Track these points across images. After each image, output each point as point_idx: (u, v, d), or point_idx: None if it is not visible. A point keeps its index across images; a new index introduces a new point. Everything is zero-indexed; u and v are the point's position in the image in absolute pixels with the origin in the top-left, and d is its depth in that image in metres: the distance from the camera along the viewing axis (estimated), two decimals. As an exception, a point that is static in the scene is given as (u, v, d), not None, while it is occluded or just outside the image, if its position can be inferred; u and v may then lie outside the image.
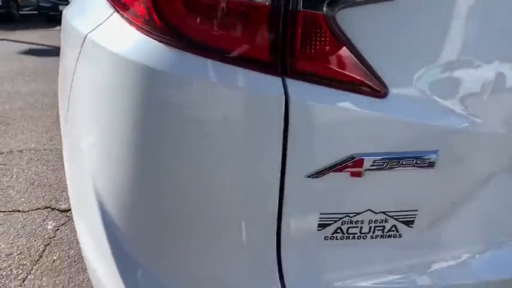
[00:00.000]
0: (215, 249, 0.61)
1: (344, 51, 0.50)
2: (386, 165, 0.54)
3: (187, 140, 0.53)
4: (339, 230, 0.60)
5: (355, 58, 0.50)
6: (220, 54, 0.50)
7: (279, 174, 0.54)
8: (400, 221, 0.61)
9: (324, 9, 0.48)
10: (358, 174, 0.55)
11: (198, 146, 0.53)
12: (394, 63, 0.51)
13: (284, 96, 0.50)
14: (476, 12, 0.51)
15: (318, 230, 0.59)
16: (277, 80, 0.50)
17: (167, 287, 0.65)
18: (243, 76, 0.50)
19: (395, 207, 0.59)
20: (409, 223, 0.61)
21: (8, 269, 1.58)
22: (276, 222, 0.58)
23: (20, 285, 1.51)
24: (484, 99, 0.55)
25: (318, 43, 0.49)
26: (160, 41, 0.52)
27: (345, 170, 0.54)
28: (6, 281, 1.52)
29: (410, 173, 0.56)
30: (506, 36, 0.52)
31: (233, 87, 0.50)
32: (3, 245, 1.69)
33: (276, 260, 0.61)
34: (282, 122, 0.51)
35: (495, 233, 0.65)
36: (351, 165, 0.54)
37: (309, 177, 0.54)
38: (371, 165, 0.54)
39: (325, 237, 0.60)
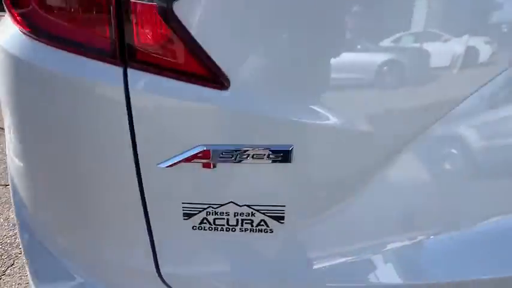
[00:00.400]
0: (96, 236, 0.65)
1: (181, 43, 0.49)
2: (236, 158, 0.53)
3: (46, 130, 0.56)
4: (205, 221, 0.60)
5: (193, 49, 0.49)
6: (67, 45, 0.52)
7: (134, 163, 0.55)
8: (268, 216, 0.59)
9: (157, 0, 0.48)
10: (209, 165, 0.54)
11: (56, 136, 0.56)
12: (236, 56, 0.50)
13: (124, 86, 0.51)
14: (323, 5, 0.48)
15: (185, 219, 0.60)
16: (119, 70, 0.51)
17: (64, 264, 0.70)
18: (87, 66, 0.51)
19: (259, 201, 0.58)
20: (279, 219, 0.59)
21: (13, 237, 1.75)
22: (142, 210, 0.59)
23: (20, 253, 1.67)
24: (342, 95, 0.52)
25: (154, 34, 0.49)
26: (23, 33, 0.55)
27: (194, 160, 0.54)
28: (9, 249, 1.69)
29: (266, 167, 0.54)
30: (356, 31, 0.49)
31: (79, 77, 0.52)
32: (12, 216, 1.87)
33: (150, 248, 0.63)
34: (126, 112, 0.52)
35: (374, 235, 0.61)
36: (200, 156, 0.53)
37: (162, 167, 0.55)
38: (219, 157, 0.53)
39: (193, 226, 0.61)
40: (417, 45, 0.52)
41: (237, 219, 0.60)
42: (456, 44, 0.53)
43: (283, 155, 0.53)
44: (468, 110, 0.57)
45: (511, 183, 0.62)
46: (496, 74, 0.56)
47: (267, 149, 0.53)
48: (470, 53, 0.53)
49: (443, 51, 0.53)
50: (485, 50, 0.54)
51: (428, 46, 0.52)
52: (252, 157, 0.53)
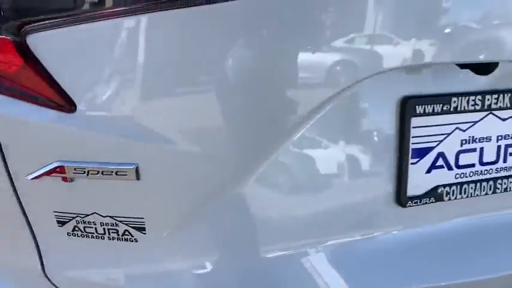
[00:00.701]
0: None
1: (34, 72, 0.56)
2: (87, 173, 0.59)
3: None
4: (77, 228, 0.66)
5: (44, 77, 0.56)
6: None
7: (7, 177, 0.63)
8: (131, 227, 0.65)
9: (9, 34, 0.55)
10: (66, 179, 0.61)
11: None
12: (81, 83, 0.56)
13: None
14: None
15: (59, 226, 0.66)
16: (-15, 95, 0.58)
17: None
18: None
19: (119, 213, 0.63)
20: (141, 229, 0.65)
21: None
22: (23, 218, 0.66)
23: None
24: (178, 119, 0.57)
25: (10, 64, 0.56)
26: None
27: (53, 174, 0.60)
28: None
29: (118, 183, 0.60)
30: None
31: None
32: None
33: (36, 251, 0.70)
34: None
35: (232, 245, 0.66)
36: (57, 170, 0.60)
37: (28, 179, 0.61)
38: (73, 172, 0.59)
39: (68, 233, 0.67)
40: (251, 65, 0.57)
41: (104, 229, 0.66)
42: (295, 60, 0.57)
43: (129, 173, 0.59)
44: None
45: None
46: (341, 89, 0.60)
47: (112, 166, 0.58)
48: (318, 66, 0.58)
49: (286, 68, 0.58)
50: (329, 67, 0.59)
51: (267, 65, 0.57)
52: (102, 173, 0.59)
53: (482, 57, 0.59)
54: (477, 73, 0.62)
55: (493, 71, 0.61)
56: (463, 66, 0.63)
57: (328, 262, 0.70)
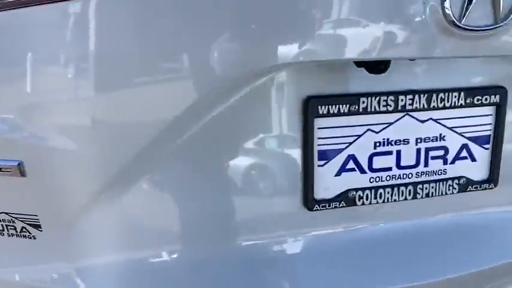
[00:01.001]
0: None
1: None
2: (-27, 169, 0.59)
3: None
4: (-21, 225, 0.67)
5: None
6: None
7: None
8: (27, 224, 0.65)
9: None
10: (-43, 175, 0.61)
11: None
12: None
13: None
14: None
15: (-40, 222, 0.67)
16: None
17: None
18: None
19: (13, 210, 0.63)
20: (37, 227, 0.65)
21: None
22: None
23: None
24: (56, 117, 0.57)
25: None
26: None
27: None
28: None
29: (6, 179, 0.60)
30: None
31: None
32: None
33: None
34: None
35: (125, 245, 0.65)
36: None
37: None
38: (-40, 168, 0.60)
39: (-29, 229, 0.68)
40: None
41: (2, 225, 0.66)
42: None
43: (13, 170, 0.58)
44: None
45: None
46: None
47: (-4, 163, 0.59)
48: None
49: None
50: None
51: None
52: (-12, 170, 0.59)
53: (373, 55, 0.55)
54: (370, 72, 0.59)
55: (385, 69, 0.58)
56: (359, 65, 0.59)
57: (234, 264, 0.68)
